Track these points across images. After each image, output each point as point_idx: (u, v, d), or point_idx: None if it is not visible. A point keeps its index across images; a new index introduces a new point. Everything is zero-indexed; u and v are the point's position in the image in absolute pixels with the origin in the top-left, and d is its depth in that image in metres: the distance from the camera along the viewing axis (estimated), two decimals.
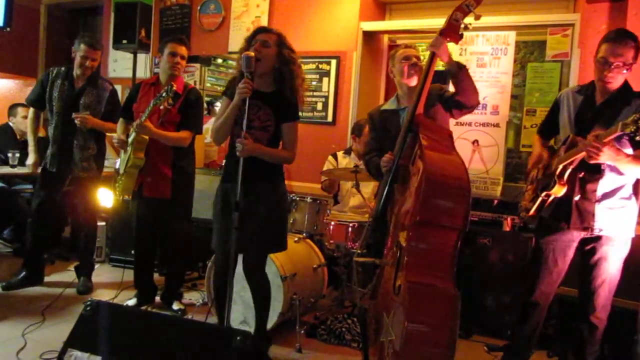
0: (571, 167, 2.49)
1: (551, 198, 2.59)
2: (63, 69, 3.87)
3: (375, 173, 2.90)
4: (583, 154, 2.39)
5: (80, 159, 3.82)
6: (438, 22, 4.30)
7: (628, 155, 2.38)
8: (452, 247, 2.19)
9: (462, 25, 2.52)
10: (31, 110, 4.00)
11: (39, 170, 3.94)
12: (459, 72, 2.59)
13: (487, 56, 4.05)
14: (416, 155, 2.38)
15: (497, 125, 4.02)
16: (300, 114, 2.82)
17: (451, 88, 2.88)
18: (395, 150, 2.58)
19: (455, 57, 4.04)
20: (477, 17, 2.51)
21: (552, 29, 3.98)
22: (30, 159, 3.96)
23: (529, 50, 4.80)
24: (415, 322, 2.04)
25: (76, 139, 3.80)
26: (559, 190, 2.54)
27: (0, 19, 5.07)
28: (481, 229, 3.55)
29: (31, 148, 3.97)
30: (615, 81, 2.47)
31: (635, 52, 2.43)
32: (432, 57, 2.53)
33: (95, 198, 4.08)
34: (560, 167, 2.51)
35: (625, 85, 2.52)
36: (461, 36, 2.56)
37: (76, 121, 3.68)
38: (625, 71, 2.44)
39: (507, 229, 3.56)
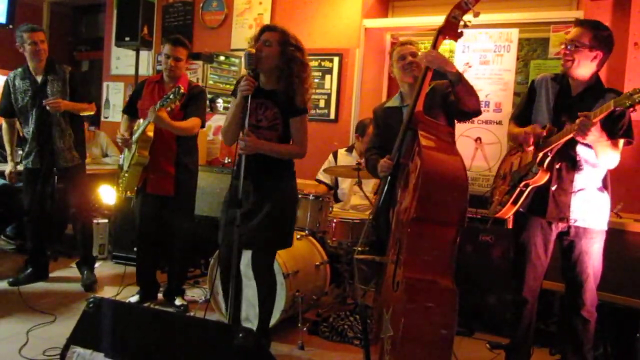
0: (551, 154, 2.51)
1: (529, 188, 2.58)
2: (19, 69, 3.84)
3: (373, 172, 2.91)
4: (566, 138, 2.41)
5: (62, 148, 3.81)
6: (440, 19, 4.31)
7: (608, 139, 2.41)
8: (450, 243, 2.18)
9: (462, 23, 2.51)
10: (4, 121, 3.98)
11: (16, 175, 3.97)
12: (458, 83, 2.56)
13: (490, 53, 4.03)
14: (415, 152, 2.38)
15: (499, 123, 4.01)
16: (307, 109, 2.78)
17: None
18: (394, 147, 2.57)
19: (458, 55, 4.08)
20: (476, 14, 2.50)
21: (555, 26, 3.97)
22: (8, 168, 3.98)
23: (532, 48, 4.79)
24: (412, 317, 2.04)
25: (53, 129, 3.78)
26: (541, 178, 2.53)
27: (3, 16, 5.09)
28: (483, 227, 3.55)
29: (9, 157, 3.99)
30: (574, 65, 2.49)
31: (592, 38, 2.45)
32: (427, 72, 2.52)
33: (87, 189, 4.08)
34: (541, 154, 2.52)
35: (597, 80, 2.56)
36: (460, 34, 2.54)
37: (48, 107, 3.64)
38: (579, 54, 2.46)
39: (510, 226, 3.56)
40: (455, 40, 2.58)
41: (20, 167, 3.98)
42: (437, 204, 2.16)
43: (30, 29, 3.73)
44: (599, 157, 2.48)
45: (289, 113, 2.73)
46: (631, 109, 2.17)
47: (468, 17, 2.51)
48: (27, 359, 2.73)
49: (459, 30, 2.52)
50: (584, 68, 2.50)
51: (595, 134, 2.33)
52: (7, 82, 3.88)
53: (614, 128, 2.44)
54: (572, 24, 3.56)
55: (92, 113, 4.03)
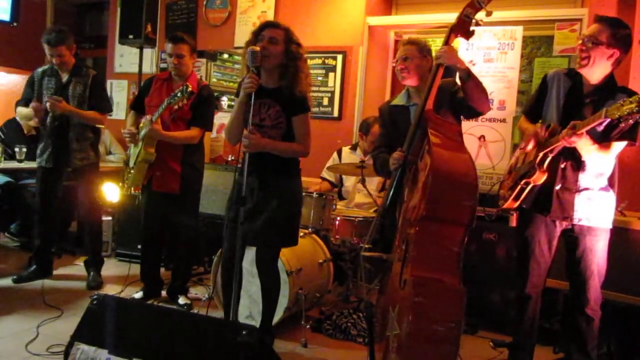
0: (551, 155, 2.50)
1: (530, 186, 2.58)
2: (47, 66, 3.89)
3: (381, 169, 2.89)
4: (557, 144, 2.43)
5: (78, 149, 3.83)
6: (445, 17, 4.30)
7: (594, 142, 2.42)
8: (458, 242, 2.18)
9: (474, 22, 2.50)
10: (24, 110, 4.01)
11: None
12: (467, 79, 2.53)
13: (494, 51, 4.02)
14: (424, 151, 2.38)
15: (503, 121, 4.00)
16: (309, 107, 2.79)
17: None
18: (404, 146, 2.57)
19: (462, 53, 4.06)
20: (489, 14, 2.49)
21: (560, 23, 3.95)
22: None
23: (536, 46, 4.77)
24: (419, 316, 2.04)
25: (72, 131, 3.80)
26: (539, 178, 2.54)
27: (7, 14, 5.10)
28: (487, 225, 3.54)
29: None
30: (589, 63, 2.46)
31: (611, 36, 2.42)
32: (438, 68, 2.50)
33: (97, 189, 4.10)
34: (541, 154, 2.52)
35: (611, 78, 2.52)
36: (472, 32, 2.52)
37: (47, 104, 3.65)
38: (595, 51, 2.43)
39: (513, 224, 3.55)
40: (467, 39, 2.56)
41: None
42: (447, 203, 2.16)
43: (47, 42, 3.71)
44: (583, 157, 2.49)
45: (292, 111, 2.73)
46: (622, 122, 2.15)
47: (480, 16, 2.50)
48: (32, 354, 2.74)
49: (471, 29, 2.51)
50: (600, 66, 2.47)
51: (583, 141, 2.36)
52: (32, 75, 3.92)
53: (609, 132, 2.42)
54: (577, 21, 3.55)
55: (101, 125, 4.04)
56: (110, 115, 4.03)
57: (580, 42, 2.50)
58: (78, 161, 3.85)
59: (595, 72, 2.49)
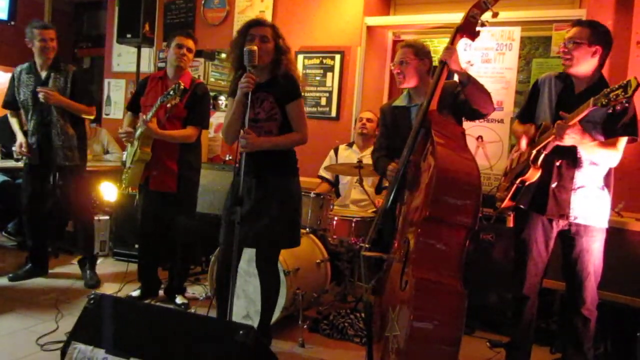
0: (544, 151, 2.51)
1: (526, 184, 2.59)
2: (27, 64, 3.87)
3: (383, 174, 2.91)
4: (548, 140, 2.44)
5: (61, 146, 3.79)
6: (443, 17, 4.30)
7: (593, 139, 2.42)
8: (460, 244, 2.18)
9: (480, 22, 2.50)
10: (8, 113, 4.00)
11: (22, 158, 3.92)
12: (467, 83, 2.54)
13: (492, 52, 4.02)
14: (427, 151, 2.37)
15: (501, 122, 4.00)
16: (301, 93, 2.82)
17: None
18: (407, 146, 2.57)
19: (460, 53, 4.05)
20: (495, 15, 2.50)
21: (558, 24, 3.96)
22: (18, 140, 3.85)
23: (534, 46, 4.79)
24: (420, 318, 2.04)
25: (53, 127, 3.78)
26: (533, 175, 2.55)
27: (5, 13, 5.10)
28: (484, 225, 3.55)
29: (20, 133, 3.89)
30: (574, 62, 2.50)
31: (590, 34, 2.47)
32: (443, 67, 2.51)
33: (87, 189, 4.07)
34: (534, 152, 2.53)
35: (601, 78, 2.56)
36: (478, 33, 2.53)
37: (39, 95, 3.65)
38: (578, 51, 2.47)
39: (511, 225, 3.55)
40: (473, 40, 2.56)
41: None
42: (450, 204, 2.16)
43: (42, 26, 3.75)
44: (588, 156, 2.50)
45: (285, 99, 2.73)
46: (610, 109, 2.16)
47: (486, 17, 2.50)
48: (29, 353, 2.73)
49: (477, 30, 2.52)
50: (585, 64, 2.51)
51: (574, 137, 2.36)
52: (13, 75, 3.90)
53: (614, 126, 2.44)
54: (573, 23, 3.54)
55: (90, 117, 4.02)
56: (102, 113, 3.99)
57: (562, 45, 2.55)
58: (61, 160, 3.81)
59: (581, 69, 2.53)
